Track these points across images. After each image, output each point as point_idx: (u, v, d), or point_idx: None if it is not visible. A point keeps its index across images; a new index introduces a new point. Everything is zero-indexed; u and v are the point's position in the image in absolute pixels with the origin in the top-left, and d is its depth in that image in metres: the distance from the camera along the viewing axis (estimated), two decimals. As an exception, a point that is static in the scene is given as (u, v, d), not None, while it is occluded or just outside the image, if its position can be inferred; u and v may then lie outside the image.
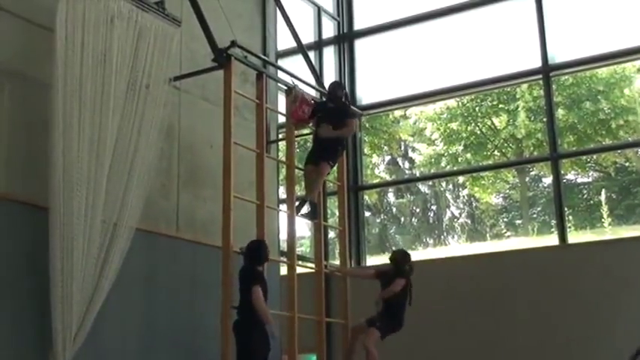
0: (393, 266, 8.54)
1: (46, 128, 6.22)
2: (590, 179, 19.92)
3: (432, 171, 20.61)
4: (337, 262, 9.68)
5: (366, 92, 12.42)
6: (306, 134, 9.84)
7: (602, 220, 17.05)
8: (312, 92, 9.20)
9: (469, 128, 19.42)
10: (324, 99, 9.12)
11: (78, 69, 6.30)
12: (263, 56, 9.28)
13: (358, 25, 12.87)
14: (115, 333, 6.98)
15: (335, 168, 9.27)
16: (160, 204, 7.88)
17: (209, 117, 8.53)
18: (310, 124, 8.94)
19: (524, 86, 16.72)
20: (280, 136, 10.11)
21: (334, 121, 8.53)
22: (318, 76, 9.93)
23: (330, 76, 11.98)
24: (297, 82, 8.82)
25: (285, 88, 8.90)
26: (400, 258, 8.63)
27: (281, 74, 9.10)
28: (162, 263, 7.81)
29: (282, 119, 9.71)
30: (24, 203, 6.35)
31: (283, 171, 9.65)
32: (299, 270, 8.52)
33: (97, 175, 6.36)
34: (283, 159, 9.05)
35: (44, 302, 6.09)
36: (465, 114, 19.35)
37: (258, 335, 7.17)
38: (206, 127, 8.54)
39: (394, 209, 22.42)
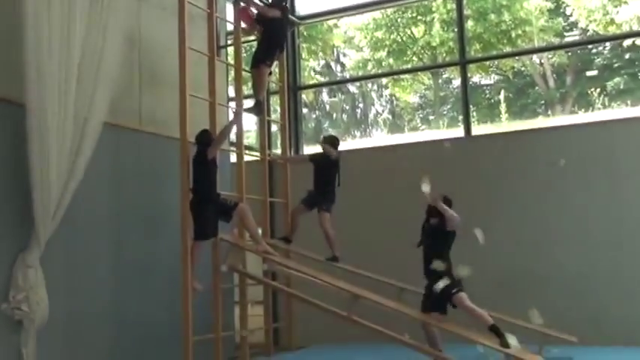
0: (323, 150, 8.56)
1: (20, 34, 5.94)
2: (492, 81, 20.22)
3: (360, 74, 20.65)
4: (279, 151, 9.72)
5: (304, 3, 12.13)
6: (252, 40, 9.66)
7: (501, 115, 17.43)
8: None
9: (392, 37, 19.35)
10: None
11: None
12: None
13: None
14: (88, 213, 6.95)
15: (277, 71, 9.19)
16: (125, 103, 7.70)
17: (166, 25, 8.25)
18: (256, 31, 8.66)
19: (439, 0, 16.66)
20: (229, 42, 9.91)
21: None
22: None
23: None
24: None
25: (233, -1, 8.65)
26: (328, 139, 8.66)
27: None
28: (128, 154, 7.72)
29: (230, 27, 9.50)
30: (3, 100, 6.13)
31: (232, 73, 9.50)
32: (246, 158, 8.57)
33: (68, 76, 6.16)
34: (232, 62, 8.87)
35: (26, 188, 6.01)
36: (389, 24, 19.23)
37: (210, 211, 7.27)
38: (163, 34, 8.28)
39: (327, 107, 22.49)
